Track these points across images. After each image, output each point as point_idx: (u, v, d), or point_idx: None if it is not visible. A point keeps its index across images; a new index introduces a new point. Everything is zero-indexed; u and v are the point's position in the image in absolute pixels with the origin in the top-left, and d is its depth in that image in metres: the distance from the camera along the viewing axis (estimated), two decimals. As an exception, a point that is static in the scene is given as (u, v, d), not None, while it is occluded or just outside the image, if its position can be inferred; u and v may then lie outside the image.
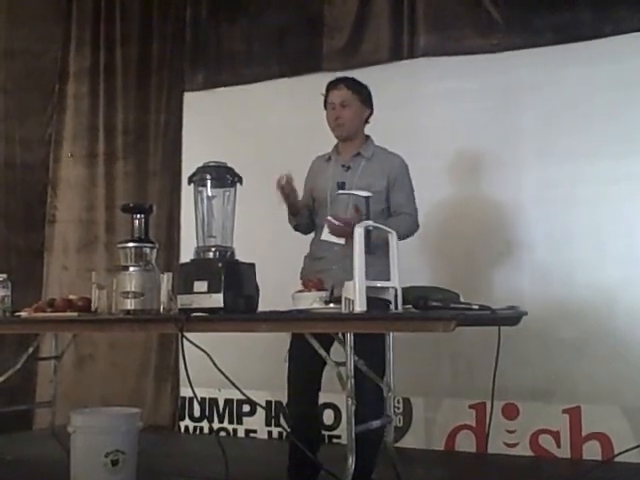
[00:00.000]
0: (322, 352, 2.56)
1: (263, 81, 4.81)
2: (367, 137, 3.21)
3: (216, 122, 4.89)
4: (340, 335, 2.51)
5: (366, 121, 3.21)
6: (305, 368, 3.02)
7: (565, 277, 4.00)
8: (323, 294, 2.63)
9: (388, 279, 2.58)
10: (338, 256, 2.98)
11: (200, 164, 2.84)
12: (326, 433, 4.16)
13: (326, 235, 3.02)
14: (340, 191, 2.89)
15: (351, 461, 2.45)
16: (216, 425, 4.70)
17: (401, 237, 2.76)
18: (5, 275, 3.19)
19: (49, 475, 3.58)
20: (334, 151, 3.22)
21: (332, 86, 3.17)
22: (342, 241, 2.97)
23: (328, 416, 4.23)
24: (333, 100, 3.14)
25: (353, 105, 3.12)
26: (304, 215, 3.21)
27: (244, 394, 2.86)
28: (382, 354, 2.95)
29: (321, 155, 3.28)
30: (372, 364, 2.72)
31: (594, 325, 3.88)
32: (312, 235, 3.26)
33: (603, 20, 4.02)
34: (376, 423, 2.76)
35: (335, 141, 3.25)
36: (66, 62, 5.45)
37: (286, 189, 3.04)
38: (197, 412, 4.79)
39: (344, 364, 2.47)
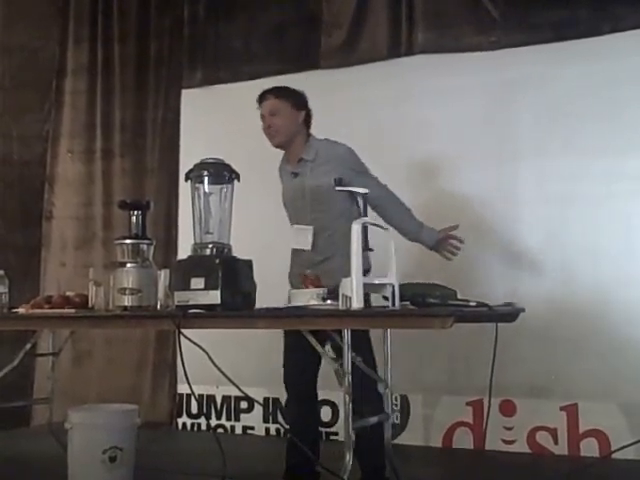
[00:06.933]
0: (319, 348, 2.56)
1: (261, 78, 4.76)
2: (309, 137, 3.17)
3: (214, 119, 4.88)
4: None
5: (306, 123, 3.17)
6: (302, 367, 3.04)
7: (562, 275, 4.00)
8: (320, 291, 2.64)
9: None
10: (309, 262, 3.01)
11: (198, 161, 2.84)
12: (324, 430, 4.17)
13: (294, 243, 3.08)
14: (338, 187, 2.90)
15: (348, 458, 2.45)
16: (214, 422, 4.70)
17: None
18: (2, 271, 3.19)
19: (46, 472, 3.57)
20: (284, 159, 3.22)
21: (260, 100, 3.16)
22: (308, 247, 3.02)
23: (325, 413, 4.23)
24: (262, 112, 3.14)
25: (283, 111, 3.09)
26: None
27: (242, 391, 2.86)
28: (371, 351, 2.96)
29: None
30: (364, 361, 2.74)
31: (591, 322, 3.88)
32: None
33: (601, 18, 4.02)
34: (373, 419, 2.77)
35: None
36: (64, 58, 5.44)
37: None
38: (195, 409, 4.79)
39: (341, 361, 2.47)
